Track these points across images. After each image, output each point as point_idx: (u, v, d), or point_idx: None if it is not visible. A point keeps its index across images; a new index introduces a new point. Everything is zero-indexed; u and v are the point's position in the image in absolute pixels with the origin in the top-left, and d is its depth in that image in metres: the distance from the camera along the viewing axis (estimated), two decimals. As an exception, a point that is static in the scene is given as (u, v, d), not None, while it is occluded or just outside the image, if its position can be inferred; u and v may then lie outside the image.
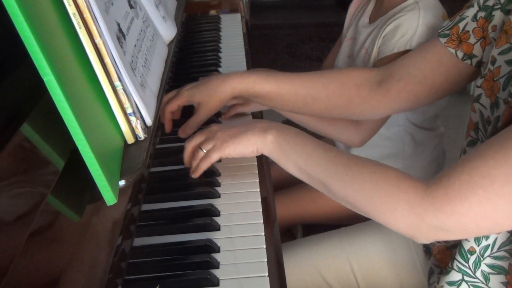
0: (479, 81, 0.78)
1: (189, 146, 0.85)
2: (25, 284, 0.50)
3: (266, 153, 0.80)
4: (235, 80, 0.93)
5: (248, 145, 0.80)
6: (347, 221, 1.13)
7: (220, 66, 1.29)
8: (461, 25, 0.84)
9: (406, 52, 1.01)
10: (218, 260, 0.70)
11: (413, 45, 1.01)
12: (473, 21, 0.82)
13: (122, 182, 0.68)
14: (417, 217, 0.64)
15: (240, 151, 0.81)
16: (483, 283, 0.78)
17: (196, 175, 0.83)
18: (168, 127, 0.99)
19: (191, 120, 0.95)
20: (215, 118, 1.02)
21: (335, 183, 0.72)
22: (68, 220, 0.63)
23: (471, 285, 0.79)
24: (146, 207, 0.81)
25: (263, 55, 3.42)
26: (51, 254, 0.56)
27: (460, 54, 0.84)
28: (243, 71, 0.96)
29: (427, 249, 0.94)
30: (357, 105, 0.96)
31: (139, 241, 0.74)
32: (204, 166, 0.82)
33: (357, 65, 1.16)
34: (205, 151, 0.82)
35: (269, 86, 0.94)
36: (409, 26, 1.03)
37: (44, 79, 0.55)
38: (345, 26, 1.29)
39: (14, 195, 0.56)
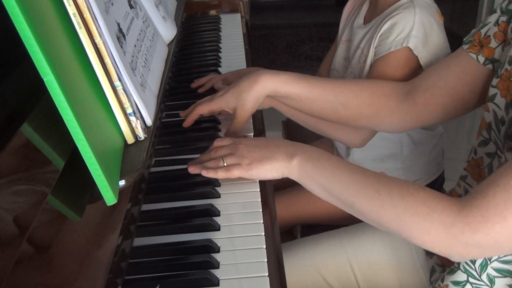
0: (495, 81, 0.78)
1: (214, 155, 0.84)
2: (24, 284, 0.50)
3: (292, 177, 0.80)
4: (266, 78, 0.92)
5: (272, 170, 0.80)
6: (347, 221, 1.13)
7: (220, 66, 1.29)
8: (483, 30, 0.84)
9: (403, 49, 1.02)
10: (218, 260, 0.70)
11: (410, 43, 1.01)
12: (495, 25, 0.82)
13: (122, 182, 0.68)
14: (453, 237, 0.64)
15: (262, 176, 0.81)
16: (487, 285, 0.78)
17: (208, 175, 0.82)
18: (187, 123, 0.98)
19: (233, 128, 0.94)
20: (215, 125, 1.02)
21: (365, 206, 0.71)
22: (68, 220, 0.63)
23: (475, 287, 0.79)
24: (146, 207, 0.81)
25: (263, 55, 3.42)
26: (50, 254, 0.56)
27: (481, 59, 0.83)
28: (272, 70, 0.95)
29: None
30: (386, 116, 0.95)
31: (139, 241, 0.74)
32: (221, 175, 0.81)
33: (353, 65, 1.16)
34: (225, 164, 0.81)
35: (300, 88, 0.93)
36: (405, 24, 1.03)
37: (44, 79, 0.55)
38: (340, 28, 1.29)
39: (14, 195, 0.56)
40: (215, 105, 0.96)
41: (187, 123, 0.98)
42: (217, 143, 0.87)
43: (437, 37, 1.04)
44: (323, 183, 0.76)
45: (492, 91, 0.78)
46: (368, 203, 0.71)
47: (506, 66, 0.76)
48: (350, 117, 0.96)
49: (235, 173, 0.81)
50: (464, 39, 0.87)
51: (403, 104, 0.93)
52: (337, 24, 1.30)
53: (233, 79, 1.16)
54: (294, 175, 0.79)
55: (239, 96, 0.93)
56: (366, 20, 1.17)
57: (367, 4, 1.19)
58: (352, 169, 0.75)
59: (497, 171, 0.64)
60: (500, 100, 0.76)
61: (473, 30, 0.87)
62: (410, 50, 1.01)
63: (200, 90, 1.15)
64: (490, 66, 0.83)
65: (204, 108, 0.97)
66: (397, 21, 1.04)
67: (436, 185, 1.25)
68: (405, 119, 0.94)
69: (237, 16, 1.61)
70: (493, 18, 0.83)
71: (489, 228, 0.62)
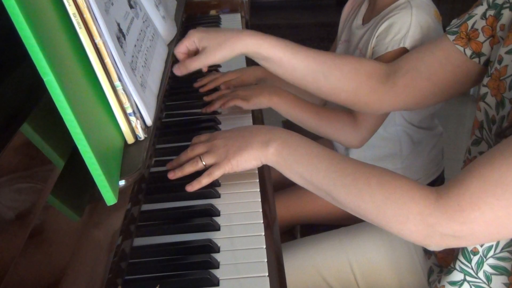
0: (485, 80, 0.78)
1: (191, 154, 0.83)
2: (25, 284, 0.50)
3: (270, 165, 0.79)
4: (250, 37, 0.91)
5: (250, 160, 0.79)
6: (347, 221, 1.13)
7: (220, 66, 1.29)
8: (469, 23, 0.84)
9: (400, 50, 1.02)
10: (218, 260, 0.70)
11: (407, 43, 1.02)
12: (482, 19, 0.82)
13: (122, 182, 0.68)
14: (429, 227, 0.64)
15: (243, 167, 0.80)
16: (485, 283, 0.78)
17: (193, 188, 0.81)
18: (179, 71, 0.94)
19: (189, 62, 0.92)
20: (215, 125, 1.01)
21: (343, 194, 0.71)
22: (68, 220, 0.63)
23: (473, 285, 0.79)
24: (146, 207, 0.81)
25: (263, 55, 3.41)
26: (51, 254, 0.56)
27: (468, 52, 0.84)
28: (259, 32, 0.93)
29: (427, 249, 0.94)
30: (365, 94, 0.95)
31: (139, 241, 0.74)
32: (205, 182, 0.81)
33: None
34: (204, 163, 0.81)
35: (283, 53, 0.92)
36: (402, 24, 1.03)
37: (44, 79, 0.55)
38: (339, 29, 1.29)
39: (14, 195, 0.56)
40: (189, 40, 0.92)
41: (178, 70, 0.94)
42: (194, 140, 0.86)
43: (434, 37, 1.04)
44: (300, 171, 0.75)
45: (483, 90, 0.78)
46: (346, 192, 0.71)
47: (496, 65, 0.76)
48: (330, 90, 0.95)
49: (217, 174, 0.80)
50: (448, 29, 0.87)
51: (383, 85, 0.93)
52: (337, 24, 1.31)
53: (236, 80, 1.16)
54: (271, 162, 0.78)
55: (214, 40, 0.90)
56: (365, 21, 1.17)
57: (366, 5, 1.19)
58: (331, 157, 0.74)
59: (474, 161, 0.65)
60: (491, 99, 0.76)
61: (457, 21, 0.87)
62: (407, 50, 1.01)
63: (202, 90, 1.15)
64: (476, 59, 0.83)
65: (181, 46, 0.93)
66: (394, 22, 1.04)
67: (436, 184, 1.25)
68: (383, 100, 0.94)
69: (237, 16, 1.61)
70: (479, 11, 0.83)
71: (465, 217, 0.62)
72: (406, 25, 1.02)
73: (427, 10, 1.05)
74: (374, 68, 0.95)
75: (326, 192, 0.73)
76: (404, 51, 1.02)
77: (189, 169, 0.82)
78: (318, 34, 3.66)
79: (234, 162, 0.79)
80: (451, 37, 0.86)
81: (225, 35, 0.91)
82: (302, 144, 0.77)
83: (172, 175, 0.83)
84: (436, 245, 0.66)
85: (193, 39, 0.92)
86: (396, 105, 0.95)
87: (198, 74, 1.21)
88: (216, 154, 0.81)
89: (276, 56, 0.92)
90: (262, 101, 1.02)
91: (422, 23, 1.02)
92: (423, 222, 0.64)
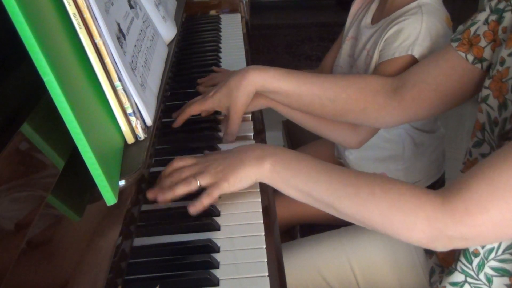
0: (487, 82, 0.78)
1: (178, 177, 0.78)
2: (24, 283, 0.50)
3: (265, 182, 0.77)
4: (254, 74, 0.93)
5: (246, 178, 0.76)
6: (347, 221, 1.12)
7: (220, 66, 1.29)
8: (472, 29, 0.84)
9: (407, 57, 1.01)
10: (218, 260, 0.70)
11: (415, 51, 1.00)
12: (484, 24, 0.82)
13: (122, 182, 0.68)
14: (437, 231, 0.64)
15: (239, 186, 0.77)
16: (486, 285, 0.78)
17: (197, 210, 0.76)
18: (178, 123, 0.98)
19: (229, 127, 0.94)
20: (215, 125, 1.01)
21: (346, 206, 0.70)
22: (68, 220, 0.63)
23: (474, 286, 0.79)
24: (146, 207, 0.81)
25: (263, 55, 3.42)
26: (50, 255, 0.56)
27: (470, 58, 0.84)
28: (261, 66, 0.95)
29: (428, 249, 0.94)
30: (373, 112, 0.95)
31: (139, 241, 0.74)
32: (207, 203, 0.76)
33: (358, 65, 1.16)
34: (199, 183, 0.77)
35: (288, 84, 0.93)
36: (412, 31, 1.02)
37: (44, 79, 0.55)
38: (347, 25, 1.28)
39: (14, 196, 0.56)
40: (206, 105, 0.96)
41: (178, 123, 0.98)
42: (177, 163, 0.81)
43: (444, 45, 1.03)
44: (298, 185, 0.74)
45: (484, 92, 0.78)
46: (350, 202, 0.70)
47: (498, 67, 0.76)
48: (338, 112, 0.96)
49: (216, 193, 0.77)
50: (452, 37, 0.87)
51: (391, 100, 0.93)
52: (337, 24, 1.31)
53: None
54: (266, 179, 0.76)
55: (230, 95, 0.93)
56: (374, 20, 1.16)
57: (376, 3, 1.18)
58: (329, 169, 0.73)
59: (480, 162, 0.64)
60: (493, 101, 0.76)
61: (461, 27, 0.87)
62: (415, 58, 1.01)
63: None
64: (478, 65, 0.84)
65: (195, 108, 0.97)
66: (404, 27, 1.03)
67: (436, 187, 1.25)
68: (392, 115, 0.95)
69: (237, 16, 1.61)
70: (482, 17, 0.83)
71: (473, 221, 0.62)
72: (415, 32, 1.01)
73: (438, 16, 1.04)
74: (380, 84, 0.95)
75: (328, 204, 0.72)
76: (411, 59, 1.01)
77: (182, 190, 0.76)
78: (318, 34, 3.66)
79: (232, 182, 0.76)
80: (454, 44, 0.86)
81: (233, 83, 0.93)
82: (297, 158, 0.76)
83: (161, 198, 0.76)
84: (444, 247, 0.67)
85: (211, 105, 0.96)
86: (407, 117, 0.96)
87: (199, 74, 1.21)
88: (212, 173, 0.77)
89: (281, 88, 0.94)
90: (261, 102, 1.02)
91: (431, 31, 1.01)
92: (431, 227, 0.64)
